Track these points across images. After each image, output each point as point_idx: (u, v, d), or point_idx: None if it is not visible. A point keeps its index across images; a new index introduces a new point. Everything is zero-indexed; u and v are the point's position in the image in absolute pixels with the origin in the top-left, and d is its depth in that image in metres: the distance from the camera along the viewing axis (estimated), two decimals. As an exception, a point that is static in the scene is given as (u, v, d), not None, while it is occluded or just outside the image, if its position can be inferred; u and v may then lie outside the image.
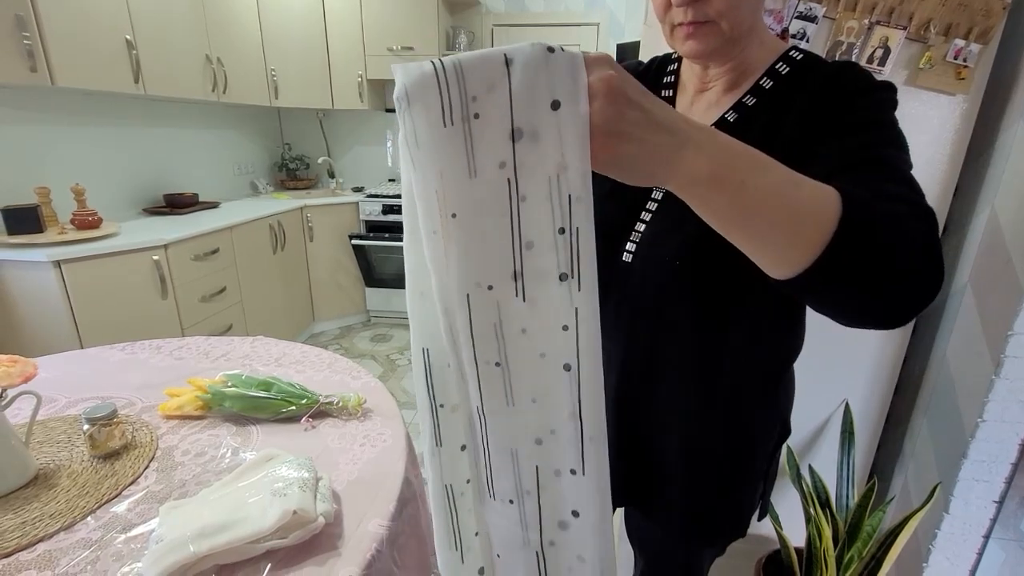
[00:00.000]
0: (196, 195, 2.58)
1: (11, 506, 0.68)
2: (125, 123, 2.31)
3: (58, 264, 1.61)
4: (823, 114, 0.53)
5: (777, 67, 0.59)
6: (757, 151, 0.36)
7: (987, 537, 1.04)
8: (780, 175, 0.36)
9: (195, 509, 0.63)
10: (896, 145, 0.49)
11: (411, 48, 3.04)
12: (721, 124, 0.59)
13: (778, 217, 0.36)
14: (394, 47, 3.04)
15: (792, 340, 0.67)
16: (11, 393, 0.71)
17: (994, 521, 1.02)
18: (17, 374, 0.68)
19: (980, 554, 1.05)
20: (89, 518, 0.67)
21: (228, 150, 3.08)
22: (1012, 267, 0.91)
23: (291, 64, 2.99)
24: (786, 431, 0.72)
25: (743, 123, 0.58)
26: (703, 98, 0.63)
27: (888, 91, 0.54)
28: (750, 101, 0.59)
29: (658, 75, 0.70)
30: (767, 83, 0.59)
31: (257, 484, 0.67)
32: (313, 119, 3.56)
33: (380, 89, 3.42)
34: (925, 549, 1.07)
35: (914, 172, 0.46)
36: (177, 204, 2.45)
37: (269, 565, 0.59)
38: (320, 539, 0.63)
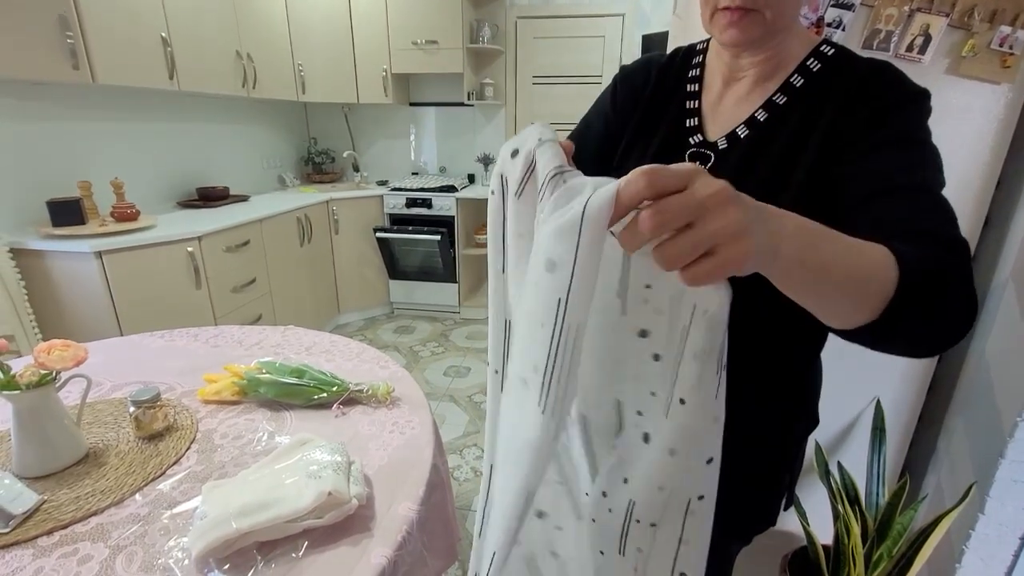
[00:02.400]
0: (227, 188, 2.65)
1: (65, 482, 0.72)
2: (160, 119, 2.38)
3: (99, 255, 1.68)
4: (856, 124, 0.52)
5: (808, 63, 0.58)
6: (824, 227, 0.37)
7: (1024, 540, 1.01)
8: (846, 245, 0.38)
9: (235, 489, 0.66)
10: (930, 166, 0.50)
11: (435, 42, 3.05)
12: (751, 123, 0.59)
13: (847, 286, 0.38)
14: (419, 41, 3.06)
15: (819, 330, 0.66)
16: (64, 376, 0.74)
17: (1032, 523, 0.99)
18: (70, 357, 0.72)
19: (1016, 556, 1.02)
20: (137, 495, 0.71)
21: (257, 145, 3.15)
22: (1057, 262, 0.88)
23: (317, 59, 3.04)
24: (814, 421, 0.71)
25: (773, 123, 0.58)
26: (732, 90, 0.62)
27: (923, 101, 0.53)
28: (781, 100, 0.58)
29: (684, 66, 0.69)
30: (798, 81, 0.58)
31: (293, 467, 0.70)
32: (338, 113, 3.61)
33: (404, 83, 3.45)
34: (958, 549, 1.05)
35: (955, 165, 0.49)
36: (210, 197, 2.52)
37: (306, 543, 0.62)
38: (353, 520, 0.65)
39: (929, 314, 0.40)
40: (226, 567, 0.58)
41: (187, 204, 2.48)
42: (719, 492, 0.72)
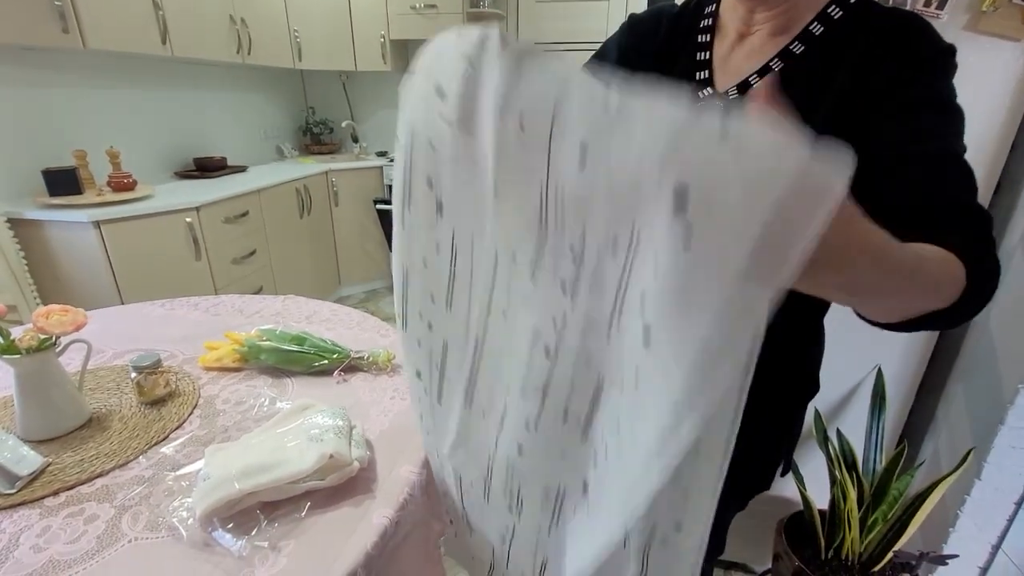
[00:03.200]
0: (225, 159, 2.61)
1: (69, 445, 0.73)
2: (156, 87, 2.33)
3: (98, 225, 1.66)
4: (881, 78, 0.50)
5: (829, 11, 0.55)
6: (890, 239, 0.33)
7: (1019, 504, 1.02)
8: (910, 256, 0.37)
9: (238, 451, 0.67)
10: (958, 131, 0.50)
11: (434, 6, 2.96)
12: (766, 73, 0.56)
13: (913, 294, 0.40)
14: (417, 5, 2.97)
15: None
16: (64, 341, 0.74)
17: (1028, 489, 1.00)
18: (70, 322, 0.72)
19: (1010, 521, 1.03)
20: (141, 458, 0.71)
21: (254, 114, 3.10)
22: (1069, 227, 0.86)
23: (314, 25, 2.95)
24: (815, 387, 0.71)
25: (790, 73, 0.55)
26: (746, 43, 0.59)
27: (951, 57, 0.50)
28: (798, 49, 0.55)
29: (695, 17, 0.66)
30: (817, 29, 0.55)
31: (295, 430, 0.70)
32: (336, 82, 3.54)
33: (403, 50, 3.36)
34: (953, 514, 1.06)
35: (970, 126, 0.49)
36: (207, 167, 2.48)
37: (308, 504, 0.62)
38: (355, 482, 0.66)
39: (981, 299, 0.43)
40: (230, 526, 0.59)
41: (184, 174, 2.45)
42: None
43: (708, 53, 0.62)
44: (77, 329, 0.73)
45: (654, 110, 0.25)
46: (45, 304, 1.65)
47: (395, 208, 0.47)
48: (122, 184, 1.86)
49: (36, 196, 1.75)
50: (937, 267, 0.40)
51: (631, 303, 0.32)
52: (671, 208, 0.24)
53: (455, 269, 0.47)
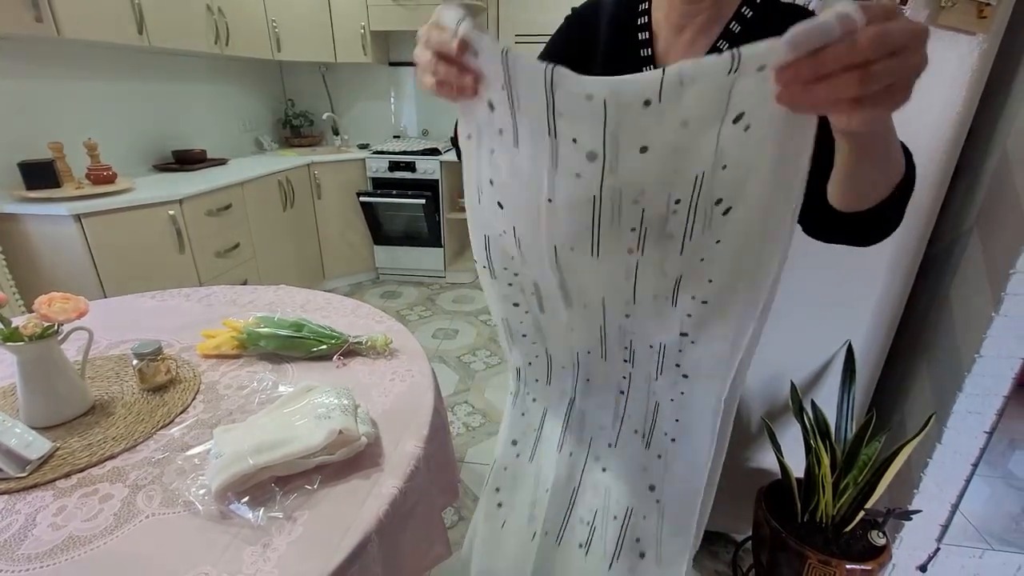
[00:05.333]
0: (204, 151, 2.57)
1: (75, 431, 0.74)
2: (133, 78, 2.29)
3: (78, 218, 1.64)
4: None
5: (743, 11, 0.63)
6: None
7: (975, 466, 1.10)
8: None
9: (247, 431, 0.69)
10: None
11: (414, -4, 2.95)
12: None
13: (890, 163, 0.47)
14: (397, -5, 2.95)
15: None
16: (66, 328, 0.75)
17: (983, 451, 1.08)
18: (71, 309, 0.73)
19: (967, 481, 1.12)
20: (149, 440, 0.73)
21: (232, 106, 3.05)
22: (1020, 207, 0.93)
23: (292, 15, 2.92)
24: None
25: None
26: (681, 38, 0.66)
27: None
28: (723, 46, 0.63)
29: (629, 13, 0.70)
30: (736, 27, 0.63)
31: (301, 410, 0.72)
32: (316, 73, 3.50)
33: (383, 41, 3.34)
34: (917, 477, 1.14)
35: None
36: (186, 160, 2.45)
37: (320, 477, 0.65)
38: (363, 457, 0.69)
39: (899, 213, 0.52)
40: (245, 499, 0.61)
41: (163, 167, 2.41)
42: None
43: (650, 49, 0.67)
44: (79, 316, 0.74)
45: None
46: (24, 299, 1.62)
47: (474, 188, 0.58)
48: (102, 176, 1.83)
49: (13, 189, 1.71)
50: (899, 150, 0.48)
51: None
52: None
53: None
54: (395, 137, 3.64)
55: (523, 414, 0.79)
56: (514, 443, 0.80)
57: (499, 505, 0.80)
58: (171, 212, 1.88)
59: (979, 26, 0.92)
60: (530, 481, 0.79)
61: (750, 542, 1.30)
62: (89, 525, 0.59)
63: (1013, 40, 0.94)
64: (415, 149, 3.12)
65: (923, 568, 1.24)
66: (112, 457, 0.70)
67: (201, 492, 0.63)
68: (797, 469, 1.14)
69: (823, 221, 0.55)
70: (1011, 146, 0.96)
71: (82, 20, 1.72)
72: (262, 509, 0.60)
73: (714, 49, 0.62)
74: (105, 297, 1.72)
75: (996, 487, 1.74)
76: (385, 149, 3.16)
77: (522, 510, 0.78)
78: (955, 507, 1.15)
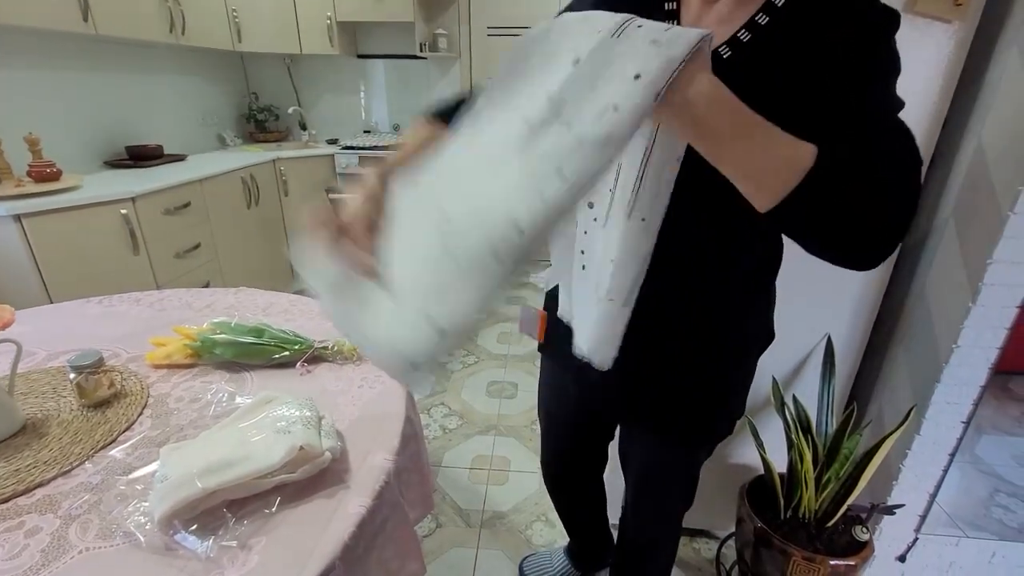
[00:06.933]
0: (161, 147, 2.44)
1: (2, 455, 0.66)
2: (79, 68, 2.14)
3: (19, 218, 1.51)
4: (844, 47, 0.52)
5: None
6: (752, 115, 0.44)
7: (952, 455, 1.11)
8: (760, 136, 0.44)
9: (198, 449, 0.63)
10: (899, 100, 0.53)
11: (382, -14, 2.85)
12: (734, 43, 0.57)
13: (755, 143, 0.45)
14: (364, -15, 2.86)
15: (775, 251, 0.72)
16: (-12, 341, 0.67)
17: (960, 440, 1.09)
18: (-7, 320, 0.65)
19: (945, 471, 1.12)
20: (87, 463, 0.66)
21: (191, 100, 2.90)
22: (995, 197, 0.93)
23: (254, 4, 2.79)
24: (771, 336, 0.79)
25: (758, 43, 0.56)
26: (713, 10, 0.60)
27: (899, 21, 0.53)
28: (763, 20, 0.56)
29: None
30: (779, 0, 0.56)
31: (259, 424, 0.66)
32: (280, 66, 3.36)
33: (351, 32, 3.23)
34: (896, 468, 1.15)
35: (906, 101, 0.53)
36: (141, 156, 2.31)
37: (279, 499, 0.59)
38: (327, 474, 0.63)
39: (839, 213, 0.46)
40: (193, 527, 0.55)
41: (116, 164, 2.27)
42: (693, 410, 0.78)
43: (676, 22, 0.62)
44: (4, 327, 0.66)
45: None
46: (-40, 307, 1.49)
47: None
48: (44, 174, 1.70)
49: (-58, 188, 1.58)
50: (789, 142, 0.45)
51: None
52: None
53: None
54: (365, 132, 3.53)
55: None
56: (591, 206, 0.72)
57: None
58: (123, 211, 1.76)
59: (955, 13, 0.91)
60: None
61: (733, 539, 1.29)
62: (10, 565, 0.52)
63: (988, 28, 0.94)
64: (387, 144, 3.04)
65: (902, 558, 1.24)
66: (42, 484, 0.62)
67: (143, 521, 0.56)
68: (779, 464, 1.13)
69: (786, 232, 0.51)
70: (986, 136, 0.95)
71: (19, 5, 1.59)
72: (212, 538, 0.54)
73: (751, 24, 0.56)
74: (51, 303, 1.61)
75: (965, 471, 1.78)
76: (355, 144, 3.06)
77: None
78: (933, 497, 1.16)
